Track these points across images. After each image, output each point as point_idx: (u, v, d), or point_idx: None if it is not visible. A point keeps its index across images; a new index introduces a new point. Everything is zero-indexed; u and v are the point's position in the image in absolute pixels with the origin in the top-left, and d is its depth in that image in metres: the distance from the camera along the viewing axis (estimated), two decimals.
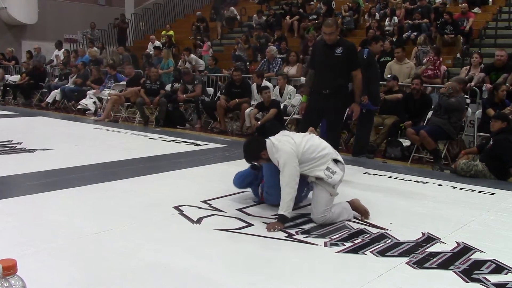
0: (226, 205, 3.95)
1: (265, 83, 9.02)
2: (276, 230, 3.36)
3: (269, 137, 3.67)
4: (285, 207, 3.43)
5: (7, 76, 14.63)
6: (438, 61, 8.59)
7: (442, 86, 7.18)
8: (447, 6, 11.92)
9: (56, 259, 2.79)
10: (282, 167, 3.46)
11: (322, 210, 3.52)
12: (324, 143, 3.69)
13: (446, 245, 3.24)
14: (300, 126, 5.62)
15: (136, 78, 10.37)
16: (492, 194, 4.78)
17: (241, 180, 4.15)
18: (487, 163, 5.49)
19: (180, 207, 3.83)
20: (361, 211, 3.75)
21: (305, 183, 3.77)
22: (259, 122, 7.94)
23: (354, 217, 3.72)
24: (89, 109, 11.09)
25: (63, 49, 14.80)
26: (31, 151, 6.06)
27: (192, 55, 12.01)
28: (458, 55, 10.33)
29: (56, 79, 13.38)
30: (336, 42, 5.11)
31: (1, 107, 11.91)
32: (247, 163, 3.92)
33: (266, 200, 3.98)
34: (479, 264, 2.95)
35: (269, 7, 15.35)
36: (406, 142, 6.92)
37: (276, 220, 3.47)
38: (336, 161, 3.61)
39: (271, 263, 2.86)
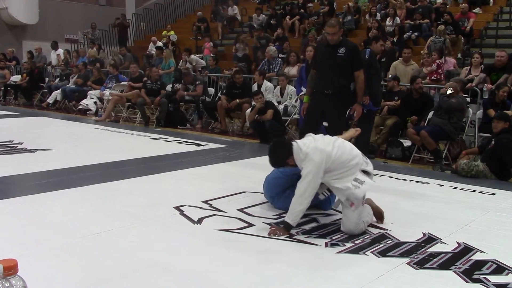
0: (226, 205, 3.95)
1: (265, 83, 9.01)
2: (277, 235, 3.29)
3: (296, 141, 3.47)
4: (293, 217, 3.30)
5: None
6: (442, 64, 8.57)
7: (443, 86, 7.18)
8: (447, 6, 11.92)
9: (57, 259, 2.79)
10: (304, 176, 3.27)
11: (356, 222, 3.34)
12: (355, 151, 3.44)
13: (447, 246, 3.24)
14: (302, 127, 5.63)
15: (139, 78, 10.39)
16: (493, 194, 4.78)
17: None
18: (488, 163, 5.49)
19: (180, 207, 3.83)
20: (375, 213, 3.65)
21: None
22: (256, 116, 7.85)
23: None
24: (90, 109, 11.10)
25: (59, 49, 14.80)
26: (32, 151, 6.06)
27: (193, 56, 12.01)
28: (459, 55, 10.32)
29: (57, 80, 13.39)
30: (338, 42, 5.11)
31: (2, 107, 11.92)
32: (272, 167, 3.72)
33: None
34: (480, 264, 2.95)
35: (270, 7, 15.34)
36: (406, 143, 6.92)
37: (281, 225, 3.39)
38: (364, 172, 3.40)
39: (271, 264, 2.85)
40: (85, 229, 3.27)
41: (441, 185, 5.09)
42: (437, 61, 8.44)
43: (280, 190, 3.86)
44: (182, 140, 7.45)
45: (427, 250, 3.14)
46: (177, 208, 3.82)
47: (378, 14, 12.56)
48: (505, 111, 6.23)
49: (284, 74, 9.10)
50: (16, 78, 14.12)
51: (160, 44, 13.84)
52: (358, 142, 6.33)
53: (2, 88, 13.61)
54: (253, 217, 3.69)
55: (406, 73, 8.44)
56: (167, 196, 4.19)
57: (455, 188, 5.00)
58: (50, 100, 12.27)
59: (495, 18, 11.59)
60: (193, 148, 6.81)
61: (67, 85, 12.29)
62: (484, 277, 2.76)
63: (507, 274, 2.82)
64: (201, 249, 3.05)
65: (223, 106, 8.87)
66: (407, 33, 11.22)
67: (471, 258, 3.04)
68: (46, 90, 12.89)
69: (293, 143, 3.42)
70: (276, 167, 3.65)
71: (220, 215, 3.71)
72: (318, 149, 3.29)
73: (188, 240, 3.18)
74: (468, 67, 8.23)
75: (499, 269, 2.89)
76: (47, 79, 13.77)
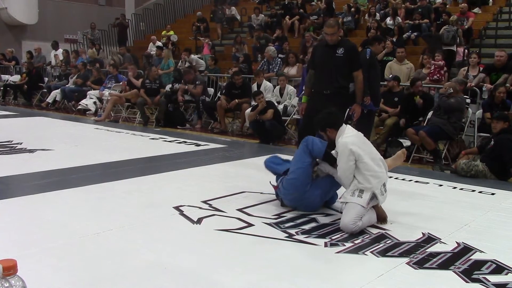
0: (226, 205, 3.95)
1: (265, 83, 9.02)
2: None
3: (348, 126, 3.75)
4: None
5: (7, 77, 14.65)
6: (444, 65, 8.58)
7: (443, 86, 7.18)
8: (447, 6, 11.93)
9: (56, 259, 2.80)
10: (338, 158, 3.59)
11: (353, 218, 3.39)
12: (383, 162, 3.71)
13: (446, 245, 3.24)
14: (301, 127, 5.62)
15: (138, 78, 10.38)
16: (493, 194, 4.78)
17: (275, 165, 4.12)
18: (488, 163, 5.49)
19: (180, 207, 3.83)
20: (379, 216, 3.65)
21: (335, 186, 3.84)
22: (257, 116, 7.85)
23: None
24: (90, 109, 11.10)
25: (59, 49, 14.80)
26: (31, 151, 6.06)
27: (192, 56, 12.00)
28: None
29: (56, 80, 13.38)
30: (337, 42, 5.10)
31: (2, 107, 11.91)
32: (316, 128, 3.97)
33: (279, 192, 3.93)
34: (479, 264, 2.95)
35: (270, 7, 15.33)
36: (406, 143, 6.92)
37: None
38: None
39: (271, 263, 2.86)
40: (84, 229, 3.27)
41: (440, 185, 5.09)
42: (440, 62, 8.45)
43: (308, 182, 3.79)
44: (182, 140, 7.46)
45: (426, 250, 3.14)
46: (177, 208, 3.82)
47: (377, 14, 12.56)
48: (505, 112, 6.23)
49: (284, 74, 9.10)
50: (15, 78, 14.12)
51: (159, 44, 13.84)
52: None
53: (2, 88, 13.61)
54: (253, 217, 3.69)
55: (401, 73, 8.45)
56: (166, 196, 4.19)
57: (455, 188, 5.00)
58: (49, 100, 12.27)
59: (495, 18, 11.59)
60: (192, 148, 6.81)
61: (67, 85, 12.29)
62: (483, 277, 2.76)
63: (506, 274, 2.82)
64: (201, 249, 3.05)
65: (222, 106, 8.87)
66: (407, 33, 11.23)
67: (470, 258, 3.04)
68: (45, 90, 12.89)
69: (345, 124, 3.74)
70: (316, 127, 3.88)
71: (219, 215, 3.71)
72: (356, 139, 3.60)
73: (188, 240, 3.18)
74: (466, 67, 8.23)
75: (499, 269, 2.90)
76: (46, 79, 13.77)
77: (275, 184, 4.04)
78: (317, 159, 3.83)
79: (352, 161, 3.50)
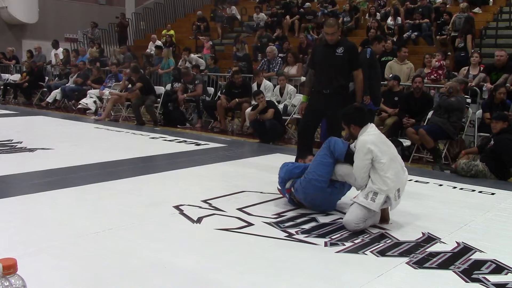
0: (226, 204, 3.95)
1: (265, 82, 9.02)
2: None
3: (373, 125, 3.70)
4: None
5: (7, 75, 14.65)
6: (444, 65, 8.57)
7: (443, 86, 7.18)
8: (447, 6, 11.93)
9: (56, 258, 2.80)
10: (354, 155, 3.55)
11: (358, 218, 3.41)
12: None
13: (446, 245, 3.25)
14: (300, 126, 5.62)
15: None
16: (492, 194, 4.78)
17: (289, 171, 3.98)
18: (488, 163, 5.49)
19: (180, 207, 3.83)
20: (381, 218, 3.63)
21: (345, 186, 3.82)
22: (258, 116, 7.85)
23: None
24: (90, 109, 11.09)
25: (60, 48, 14.79)
26: (31, 150, 6.06)
27: (192, 55, 12.00)
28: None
29: (56, 79, 13.39)
30: (337, 42, 5.10)
31: (2, 106, 11.91)
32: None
33: (296, 192, 3.84)
34: (479, 264, 2.95)
35: (270, 6, 15.33)
36: (406, 142, 6.92)
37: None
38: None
39: (271, 263, 2.86)
40: (84, 228, 3.27)
41: (440, 185, 5.10)
42: (441, 62, 8.45)
43: (328, 183, 3.74)
44: (182, 139, 7.46)
45: (426, 250, 3.14)
46: (177, 207, 3.82)
47: (378, 14, 12.55)
48: (504, 112, 6.23)
49: (284, 74, 9.10)
50: (15, 77, 14.12)
51: (159, 43, 13.83)
52: None
53: (2, 87, 13.62)
54: (253, 216, 3.69)
55: (402, 72, 8.44)
56: (166, 196, 4.19)
57: (455, 187, 5.01)
58: (49, 99, 12.27)
59: (495, 18, 11.58)
60: (192, 147, 6.81)
61: (67, 84, 12.29)
62: (483, 277, 2.76)
63: (506, 274, 2.83)
64: (201, 248, 3.05)
65: (222, 106, 8.87)
66: (407, 33, 11.22)
67: (470, 257, 3.05)
68: (45, 89, 12.88)
69: (371, 123, 3.69)
70: (341, 119, 3.81)
71: (219, 214, 3.71)
72: (377, 139, 3.53)
73: (187, 240, 3.19)
74: (467, 67, 8.22)
75: (498, 268, 2.90)
76: (46, 78, 13.77)
77: (286, 187, 3.97)
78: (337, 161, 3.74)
79: (368, 160, 3.45)
